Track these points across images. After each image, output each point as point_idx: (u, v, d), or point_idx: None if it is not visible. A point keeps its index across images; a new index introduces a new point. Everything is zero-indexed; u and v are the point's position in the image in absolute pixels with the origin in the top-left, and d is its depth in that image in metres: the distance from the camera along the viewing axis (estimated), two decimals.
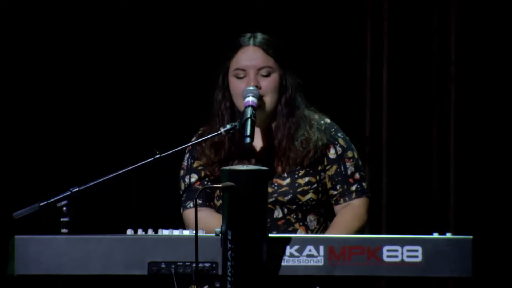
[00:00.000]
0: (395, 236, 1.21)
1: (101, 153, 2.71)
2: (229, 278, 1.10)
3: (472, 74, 2.78)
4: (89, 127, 2.75)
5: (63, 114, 2.74)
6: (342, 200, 1.66)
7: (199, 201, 1.63)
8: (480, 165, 2.77)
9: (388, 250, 1.17)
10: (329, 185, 1.68)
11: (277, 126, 1.65)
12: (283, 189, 1.62)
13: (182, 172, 1.71)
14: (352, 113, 2.81)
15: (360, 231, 1.66)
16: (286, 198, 1.61)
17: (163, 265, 1.15)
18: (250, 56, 1.63)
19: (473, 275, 1.19)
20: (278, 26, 2.62)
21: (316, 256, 1.17)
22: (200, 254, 1.09)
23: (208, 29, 2.76)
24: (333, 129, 1.71)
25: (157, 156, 1.45)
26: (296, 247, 1.18)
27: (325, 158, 1.66)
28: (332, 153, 1.67)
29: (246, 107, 1.52)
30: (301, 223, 1.62)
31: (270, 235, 1.19)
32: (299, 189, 1.62)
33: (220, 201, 1.62)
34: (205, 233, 1.22)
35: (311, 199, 1.63)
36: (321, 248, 1.18)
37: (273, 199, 1.59)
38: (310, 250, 1.18)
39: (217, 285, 1.17)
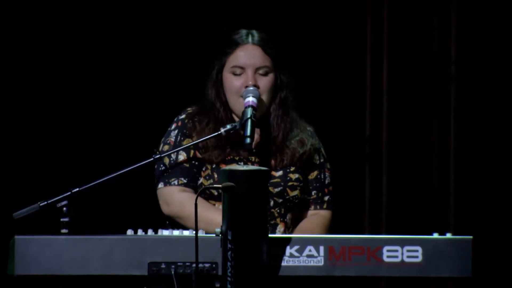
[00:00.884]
0: (395, 236, 1.21)
1: (101, 154, 2.71)
2: (229, 278, 1.10)
3: (472, 74, 2.78)
4: (89, 128, 2.75)
5: (63, 115, 2.74)
6: (313, 206, 1.70)
7: (184, 181, 1.62)
8: (480, 165, 2.77)
9: (388, 251, 1.18)
10: (306, 189, 1.70)
11: (272, 122, 1.66)
12: (275, 180, 1.63)
13: (167, 147, 1.65)
14: (352, 113, 2.81)
15: None
16: (276, 190, 1.62)
17: (163, 266, 1.15)
18: (249, 54, 1.63)
19: (473, 275, 1.19)
20: (277, 25, 2.63)
21: (316, 257, 1.17)
22: (200, 254, 1.09)
23: (208, 29, 2.76)
24: (316, 137, 1.75)
25: (157, 156, 1.45)
26: (296, 247, 1.18)
27: (310, 162, 1.70)
28: (316, 159, 1.71)
29: (246, 107, 1.52)
30: (281, 219, 1.63)
31: (269, 235, 1.20)
32: (289, 183, 1.64)
33: (211, 180, 1.62)
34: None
35: (296, 196, 1.65)
36: (321, 248, 1.18)
37: None
38: (310, 250, 1.18)
39: (217, 285, 1.17)
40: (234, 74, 1.63)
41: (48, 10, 2.71)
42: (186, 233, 1.23)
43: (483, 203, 2.74)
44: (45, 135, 2.71)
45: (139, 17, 2.77)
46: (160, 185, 1.65)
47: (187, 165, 1.64)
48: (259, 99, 1.58)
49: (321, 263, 1.17)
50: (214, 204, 1.59)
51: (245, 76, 1.60)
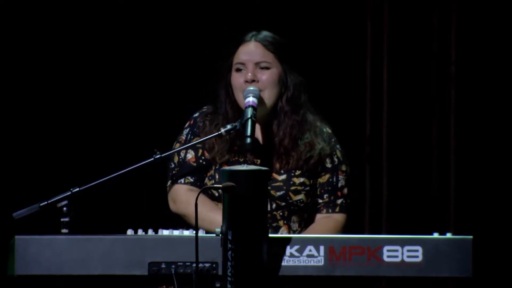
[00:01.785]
0: (395, 236, 1.21)
1: (101, 153, 2.71)
2: (229, 278, 1.10)
3: (472, 74, 2.78)
4: (89, 128, 2.75)
5: (63, 115, 2.74)
6: (325, 210, 1.68)
7: (191, 179, 1.63)
8: (480, 165, 2.77)
9: (388, 250, 1.17)
10: (317, 192, 1.69)
11: (279, 123, 1.65)
12: (277, 184, 1.62)
13: (178, 145, 1.67)
14: (352, 113, 2.81)
15: None
16: (278, 194, 1.61)
17: (163, 265, 1.15)
18: (249, 50, 1.63)
19: (473, 275, 1.19)
20: (278, 26, 2.62)
21: (316, 256, 1.17)
22: (200, 254, 1.09)
23: (208, 29, 2.76)
24: (333, 140, 1.72)
25: (157, 156, 1.45)
26: (296, 247, 1.18)
27: (320, 166, 1.67)
28: (328, 162, 1.68)
29: (246, 107, 1.52)
30: (285, 222, 1.62)
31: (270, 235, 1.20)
32: (292, 188, 1.62)
33: (213, 181, 1.63)
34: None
35: (301, 200, 1.63)
36: (321, 248, 1.18)
37: None
38: (310, 250, 1.18)
39: (217, 285, 1.17)
40: (237, 71, 1.64)
41: (49, 10, 2.71)
42: (186, 233, 1.23)
43: (483, 203, 2.74)
44: (45, 135, 2.71)
45: (140, 17, 2.77)
46: (169, 183, 1.68)
47: (195, 164, 1.65)
48: (259, 96, 1.57)
49: (321, 263, 1.17)
50: (217, 205, 1.60)
51: (246, 72, 1.61)
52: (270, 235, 1.19)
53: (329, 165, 1.68)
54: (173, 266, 1.15)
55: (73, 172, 2.63)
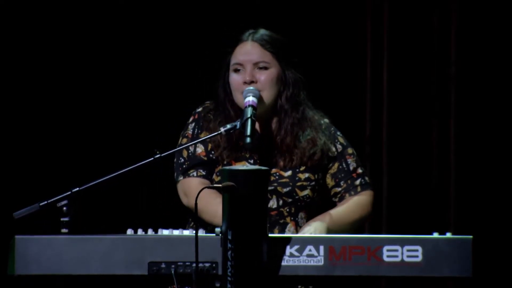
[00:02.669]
0: (395, 236, 1.21)
1: (101, 153, 2.71)
2: (229, 278, 1.10)
3: (472, 74, 2.78)
4: (89, 127, 2.75)
5: (63, 114, 2.74)
6: (347, 195, 1.67)
7: (203, 172, 1.63)
8: (480, 165, 2.77)
9: (388, 250, 1.17)
10: (332, 183, 1.68)
11: (279, 121, 1.65)
12: (283, 180, 1.62)
13: (185, 140, 1.66)
14: (352, 113, 2.81)
15: (362, 221, 1.68)
16: (285, 190, 1.61)
17: (163, 265, 1.15)
18: (247, 51, 1.63)
19: (473, 275, 1.19)
20: (278, 25, 2.62)
21: (316, 256, 1.17)
22: (200, 254, 1.09)
23: (208, 29, 2.76)
24: (332, 129, 1.72)
25: (157, 156, 1.45)
26: (296, 247, 1.18)
27: (325, 158, 1.66)
28: (332, 151, 1.68)
29: (246, 107, 1.52)
30: (292, 218, 1.62)
31: (269, 234, 1.20)
32: (298, 183, 1.62)
33: (219, 177, 1.62)
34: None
35: (307, 195, 1.63)
36: (321, 248, 1.17)
37: (272, 187, 1.59)
38: (310, 250, 1.18)
39: (217, 285, 1.17)
40: (235, 71, 1.63)
41: (48, 9, 2.71)
42: (186, 232, 1.23)
43: (483, 202, 2.74)
44: (44, 135, 2.72)
45: (139, 17, 2.77)
46: (180, 177, 1.66)
47: (205, 158, 1.64)
48: (259, 96, 1.57)
49: (321, 263, 1.17)
50: None
51: (244, 72, 1.61)
52: (270, 234, 1.20)
53: (333, 154, 1.68)
54: (173, 266, 1.15)
55: (73, 172, 2.63)
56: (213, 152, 1.64)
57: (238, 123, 1.51)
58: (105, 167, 1.57)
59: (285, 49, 1.69)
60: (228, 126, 1.52)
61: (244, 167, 1.22)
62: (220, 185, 1.14)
